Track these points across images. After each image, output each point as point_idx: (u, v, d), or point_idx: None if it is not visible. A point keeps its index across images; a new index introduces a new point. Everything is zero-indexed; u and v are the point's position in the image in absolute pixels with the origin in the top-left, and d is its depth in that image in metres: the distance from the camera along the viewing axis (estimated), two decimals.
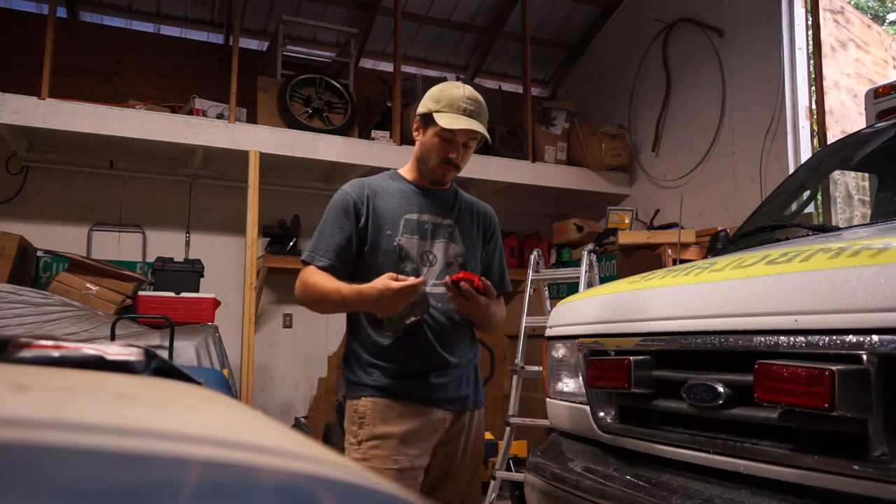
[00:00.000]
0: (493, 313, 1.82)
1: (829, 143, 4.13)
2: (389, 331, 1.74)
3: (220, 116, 4.83)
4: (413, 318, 1.70)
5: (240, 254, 5.21)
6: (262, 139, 4.80)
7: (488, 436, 4.06)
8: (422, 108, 1.84)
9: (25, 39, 5.16)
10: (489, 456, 3.97)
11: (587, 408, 1.84)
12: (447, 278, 1.70)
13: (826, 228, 2.18)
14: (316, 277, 1.77)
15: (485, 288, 1.70)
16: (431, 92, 1.85)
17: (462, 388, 1.86)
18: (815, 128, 4.47)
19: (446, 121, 1.76)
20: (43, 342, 0.60)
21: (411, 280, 1.61)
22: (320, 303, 1.77)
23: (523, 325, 4.03)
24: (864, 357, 1.15)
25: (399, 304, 1.63)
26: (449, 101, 1.79)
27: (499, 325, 1.92)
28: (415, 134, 1.88)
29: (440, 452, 1.83)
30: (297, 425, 4.81)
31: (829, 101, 4.37)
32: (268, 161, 4.89)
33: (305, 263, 1.83)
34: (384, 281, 1.62)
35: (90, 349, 0.58)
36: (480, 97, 1.84)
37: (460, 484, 1.88)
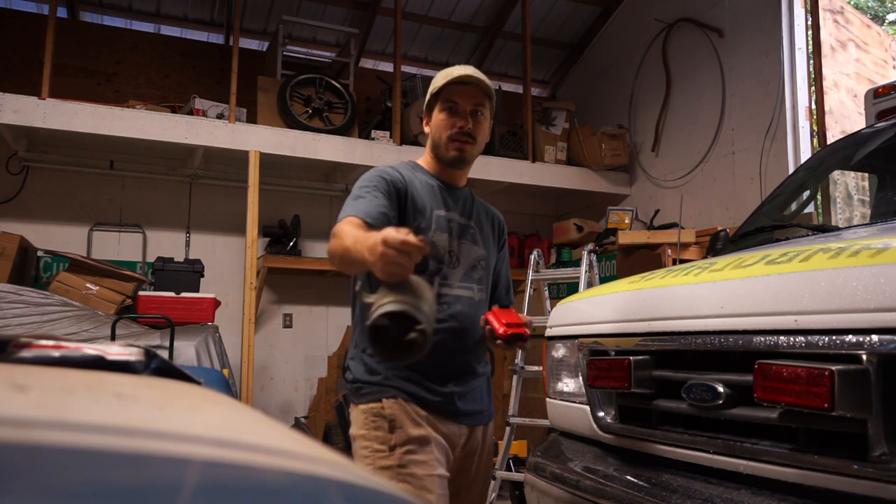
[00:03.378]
0: None
1: (828, 143, 4.13)
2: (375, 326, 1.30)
3: (220, 116, 4.83)
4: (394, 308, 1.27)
5: (240, 254, 5.21)
6: (262, 139, 4.80)
7: None
8: (425, 98, 1.76)
9: (26, 39, 5.16)
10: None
11: (587, 408, 1.84)
12: (501, 330, 1.55)
13: (826, 228, 2.18)
14: (344, 224, 1.48)
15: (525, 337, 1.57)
16: (433, 81, 1.76)
17: (479, 401, 1.74)
18: (815, 128, 4.47)
19: (441, 81, 1.67)
20: (43, 342, 0.60)
21: (405, 238, 1.24)
22: (341, 249, 1.42)
23: None
24: (864, 357, 1.15)
25: (392, 265, 1.25)
26: (444, 75, 1.70)
27: None
28: (425, 129, 1.77)
29: (452, 471, 1.68)
30: (297, 425, 4.81)
31: (829, 101, 4.37)
32: (268, 161, 4.89)
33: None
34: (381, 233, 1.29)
35: (90, 349, 0.58)
36: (479, 72, 1.73)
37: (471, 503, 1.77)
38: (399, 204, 1.62)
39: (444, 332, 1.58)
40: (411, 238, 1.24)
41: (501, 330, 1.56)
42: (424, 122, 1.78)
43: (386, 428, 1.58)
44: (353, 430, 1.66)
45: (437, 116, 1.70)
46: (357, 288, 1.61)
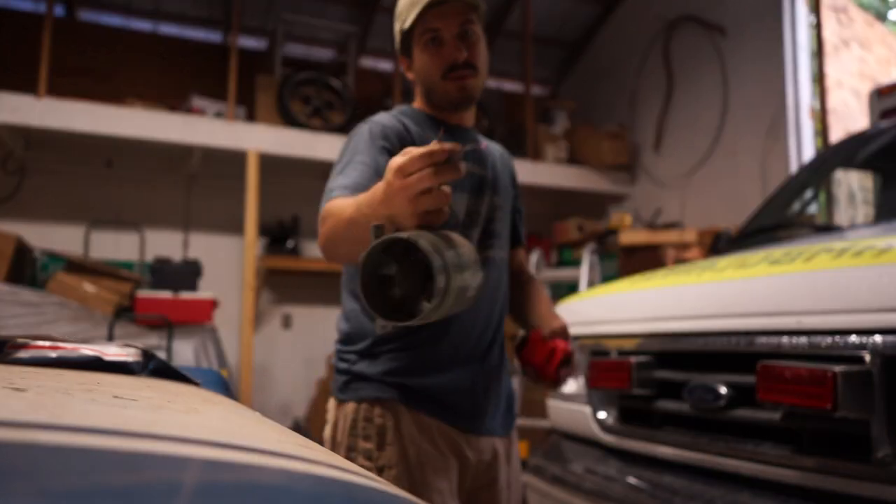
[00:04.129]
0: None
1: (831, 142, 4.13)
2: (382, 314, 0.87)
3: (218, 115, 4.82)
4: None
5: (238, 254, 5.21)
6: (261, 138, 4.80)
7: None
8: (396, 38, 1.39)
9: (23, 38, 5.15)
10: None
11: (588, 409, 1.84)
12: (554, 368, 1.31)
13: (829, 228, 2.18)
14: (333, 203, 1.11)
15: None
16: (395, 15, 1.38)
17: (502, 398, 1.44)
18: (818, 127, 4.46)
19: (412, 10, 1.30)
20: (40, 343, 0.59)
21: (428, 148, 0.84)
22: (335, 228, 1.08)
23: None
24: (867, 358, 1.15)
25: (419, 197, 0.84)
26: (410, 2, 1.32)
27: None
28: (408, 74, 1.42)
29: (468, 492, 1.37)
30: (296, 426, 4.80)
31: (832, 101, 4.37)
32: (267, 160, 4.89)
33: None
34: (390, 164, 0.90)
35: (88, 350, 0.57)
36: None
37: None
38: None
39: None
40: (435, 147, 0.83)
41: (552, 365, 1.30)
42: (405, 67, 1.41)
43: (374, 441, 1.27)
44: (327, 433, 1.36)
45: (421, 56, 1.34)
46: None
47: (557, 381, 1.35)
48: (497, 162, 1.49)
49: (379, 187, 0.92)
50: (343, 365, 1.37)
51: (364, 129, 1.33)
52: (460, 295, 0.88)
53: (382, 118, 1.36)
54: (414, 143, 1.25)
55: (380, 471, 1.25)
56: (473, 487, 1.37)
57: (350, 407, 1.31)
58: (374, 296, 0.86)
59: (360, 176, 1.20)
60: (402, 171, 0.85)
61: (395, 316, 0.86)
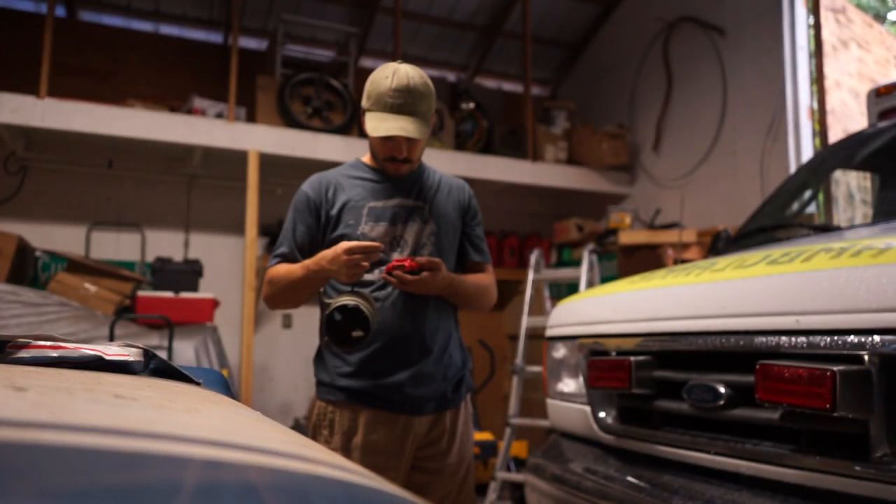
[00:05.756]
0: (464, 289, 1.76)
1: (830, 142, 4.13)
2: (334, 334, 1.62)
3: (219, 116, 4.82)
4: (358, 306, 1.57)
5: (239, 254, 5.21)
6: (262, 138, 4.80)
7: (486, 436, 4.06)
8: (363, 99, 1.73)
9: (24, 38, 5.15)
10: (490, 456, 3.97)
11: (588, 408, 1.84)
12: (383, 273, 1.65)
13: (828, 228, 2.18)
14: (278, 269, 1.74)
15: (422, 265, 1.61)
16: (368, 81, 1.70)
17: (438, 385, 1.76)
18: (817, 127, 4.46)
19: (371, 124, 1.65)
20: (41, 342, 0.59)
21: (364, 243, 1.57)
22: (286, 287, 1.71)
23: (523, 325, 4.03)
24: (866, 357, 1.15)
25: (355, 267, 1.56)
26: (377, 98, 1.65)
27: (483, 297, 1.82)
28: (364, 126, 1.74)
29: (412, 463, 1.76)
30: (297, 426, 4.80)
31: (831, 101, 4.37)
32: (267, 161, 4.89)
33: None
34: (340, 245, 1.59)
35: (89, 349, 0.58)
36: (416, 80, 1.65)
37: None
38: (326, 212, 1.76)
39: (390, 316, 1.67)
40: (368, 244, 1.56)
41: (383, 273, 1.66)
42: (363, 120, 1.71)
43: (326, 430, 1.71)
44: (309, 421, 1.81)
45: (373, 136, 1.68)
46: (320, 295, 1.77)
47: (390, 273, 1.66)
48: (439, 194, 1.82)
49: (327, 254, 1.60)
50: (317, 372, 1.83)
51: (294, 202, 1.83)
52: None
53: (307, 188, 1.83)
54: (340, 187, 1.78)
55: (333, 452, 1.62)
56: (420, 456, 1.75)
57: (318, 404, 1.77)
58: (330, 330, 1.58)
59: (288, 249, 1.77)
60: (349, 252, 1.55)
61: (341, 343, 1.60)
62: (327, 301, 1.59)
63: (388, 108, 1.63)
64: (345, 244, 1.56)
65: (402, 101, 1.63)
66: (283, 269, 1.72)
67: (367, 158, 1.85)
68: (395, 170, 1.75)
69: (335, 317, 1.56)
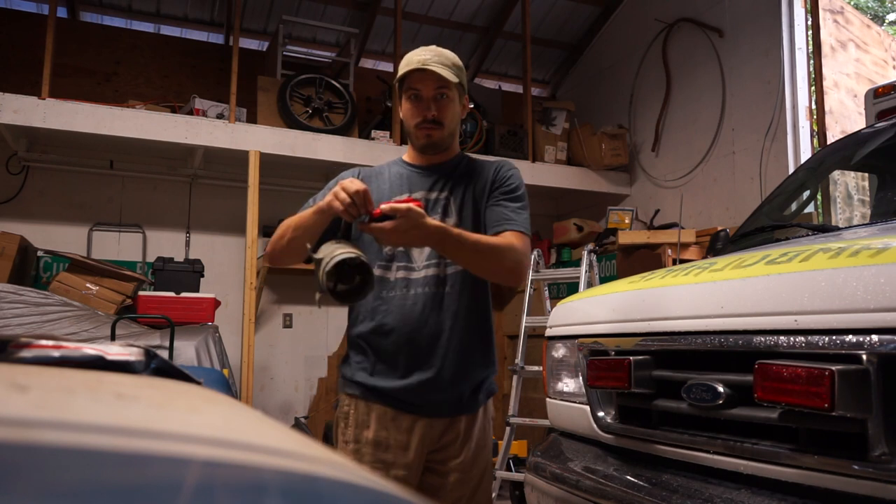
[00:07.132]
0: (460, 244, 1.52)
1: (828, 143, 4.13)
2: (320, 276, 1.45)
3: (220, 116, 4.83)
4: (337, 257, 1.42)
5: (240, 254, 5.21)
6: (262, 139, 4.80)
7: None
8: (396, 81, 1.75)
9: (25, 39, 5.16)
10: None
11: (587, 408, 1.84)
12: (359, 225, 1.55)
13: (826, 228, 2.18)
14: (290, 218, 1.69)
15: (384, 213, 1.44)
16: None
17: (453, 389, 1.70)
18: (815, 128, 4.47)
19: (402, 69, 1.67)
20: (43, 342, 0.60)
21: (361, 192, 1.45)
22: (294, 225, 1.62)
23: (523, 325, 4.03)
24: (864, 357, 1.15)
25: (346, 205, 1.44)
26: (406, 62, 1.68)
27: (492, 257, 1.58)
28: (401, 115, 1.78)
29: (421, 466, 1.71)
30: (298, 425, 4.81)
31: (829, 101, 4.37)
32: (268, 161, 4.89)
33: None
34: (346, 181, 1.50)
35: (90, 349, 0.58)
36: (445, 51, 1.69)
37: None
38: None
39: (414, 317, 1.64)
40: (360, 188, 1.46)
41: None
42: (399, 109, 1.77)
43: (343, 422, 1.72)
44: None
45: (404, 106, 1.71)
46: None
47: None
48: (467, 182, 1.74)
49: (331, 194, 1.51)
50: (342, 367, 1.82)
51: (341, 177, 1.75)
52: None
53: (348, 172, 1.81)
54: (371, 179, 1.76)
55: (346, 444, 1.69)
56: (432, 458, 1.71)
57: (340, 396, 1.78)
58: (337, 284, 1.46)
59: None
60: (343, 188, 1.46)
61: (351, 296, 1.49)
62: (318, 257, 1.47)
63: (415, 63, 1.64)
64: (344, 182, 1.48)
65: (429, 56, 1.65)
66: (287, 220, 1.68)
67: (407, 155, 1.81)
68: (426, 136, 1.69)
69: (335, 273, 1.43)
